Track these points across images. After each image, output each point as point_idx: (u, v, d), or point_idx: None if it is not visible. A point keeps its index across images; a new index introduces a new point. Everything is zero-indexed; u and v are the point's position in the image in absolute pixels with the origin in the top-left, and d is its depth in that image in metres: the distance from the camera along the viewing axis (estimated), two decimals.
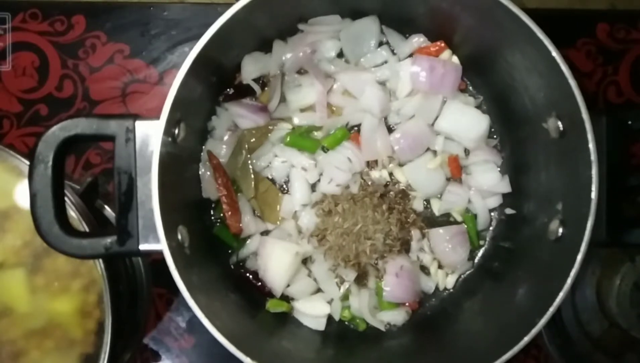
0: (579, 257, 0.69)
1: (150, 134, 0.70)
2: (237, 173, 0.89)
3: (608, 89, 1.02)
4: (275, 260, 0.85)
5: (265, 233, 0.90)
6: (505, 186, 0.89)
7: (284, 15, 0.87)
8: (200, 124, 0.89)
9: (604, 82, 1.02)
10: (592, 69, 1.02)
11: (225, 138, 0.89)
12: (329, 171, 0.88)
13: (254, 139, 0.89)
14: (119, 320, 0.81)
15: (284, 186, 0.91)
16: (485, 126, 0.89)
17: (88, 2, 1.01)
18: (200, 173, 0.89)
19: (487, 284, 0.89)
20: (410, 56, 0.90)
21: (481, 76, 0.90)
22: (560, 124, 0.74)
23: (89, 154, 0.99)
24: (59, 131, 0.69)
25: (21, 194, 0.82)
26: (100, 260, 0.79)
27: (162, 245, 0.68)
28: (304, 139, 0.89)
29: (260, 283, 0.88)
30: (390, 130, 0.90)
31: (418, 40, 0.90)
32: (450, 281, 0.92)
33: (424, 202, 0.92)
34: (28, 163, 0.72)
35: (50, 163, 0.69)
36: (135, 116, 0.71)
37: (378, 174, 0.90)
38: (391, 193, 0.90)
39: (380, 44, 0.91)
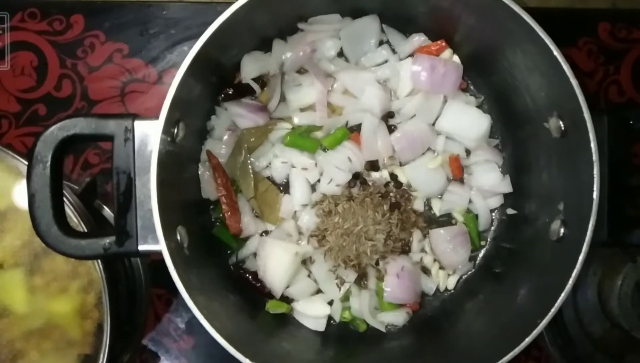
0: (581, 257, 0.69)
1: (149, 134, 0.70)
2: (237, 173, 0.88)
3: (609, 88, 1.02)
4: (274, 261, 0.85)
5: (265, 233, 0.90)
6: (506, 186, 0.89)
7: (284, 14, 0.87)
8: (200, 124, 0.89)
9: (605, 82, 1.01)
10: (593, 68, 1.01)
11: (225, 137, 0.89)
12: (329, 171, 0.88)
13: (253, 139, 0.88)
14: (117, 321, 0.81)
15: (284, 186, 0.91)
16: (486, 126, 0.88)
17: (87, 2, 1.00)
18: (199, 173, 0.88)
19: (488, 285, 0.88)
20: (411, 55, 0.90)
21: (482, 76, 0.90)
22: (561, 123, 0.74)
23: (87, 154, 0.99)
24: (57, 131, 0.69)
25: (19, 195, 0.82)
26: (99, 261, 0.79)
27: (161, 246, 0.68)
28: (303, 139, 0.89)
29: (259, 284, 0.88)
30: (390, 130, 0.90)
31: (419, 39, 0.90)
32: (451, 282, 0.91)
33: (425, 202, 0.91)
34: (26, 163, 0.72)
35: (48, 163, 0.69)
36: (134, 116, 0.71)
37: (378, 174, 0.90)
38: (392, 193, 0.90)
39: (381, 43, 0.91)
